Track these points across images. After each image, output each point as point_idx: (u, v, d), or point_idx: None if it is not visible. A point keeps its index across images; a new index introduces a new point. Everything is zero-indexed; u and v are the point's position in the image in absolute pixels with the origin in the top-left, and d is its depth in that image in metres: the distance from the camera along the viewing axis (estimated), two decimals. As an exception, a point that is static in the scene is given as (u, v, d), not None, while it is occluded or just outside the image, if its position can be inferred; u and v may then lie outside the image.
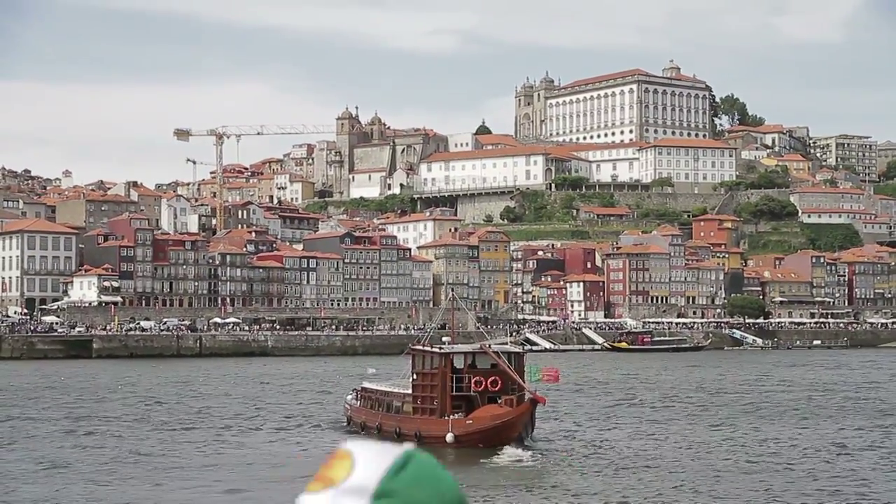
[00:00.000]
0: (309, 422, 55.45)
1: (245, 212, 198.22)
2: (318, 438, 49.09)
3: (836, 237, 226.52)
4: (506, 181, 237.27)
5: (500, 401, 44.29)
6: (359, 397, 53.36)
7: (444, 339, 51.95)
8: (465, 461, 40.49)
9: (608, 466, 39.54)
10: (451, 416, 44.46)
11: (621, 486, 35.15)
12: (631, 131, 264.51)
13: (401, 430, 46.19)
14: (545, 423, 51.12)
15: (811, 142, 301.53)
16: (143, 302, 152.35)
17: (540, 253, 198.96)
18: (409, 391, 48.07)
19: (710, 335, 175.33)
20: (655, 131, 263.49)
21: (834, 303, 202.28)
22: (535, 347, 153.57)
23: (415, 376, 47.72)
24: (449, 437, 43.18)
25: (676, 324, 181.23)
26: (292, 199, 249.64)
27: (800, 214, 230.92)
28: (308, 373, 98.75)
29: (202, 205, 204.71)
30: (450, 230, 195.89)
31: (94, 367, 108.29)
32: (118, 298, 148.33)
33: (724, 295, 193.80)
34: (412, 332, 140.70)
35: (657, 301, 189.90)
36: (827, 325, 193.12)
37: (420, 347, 49.68)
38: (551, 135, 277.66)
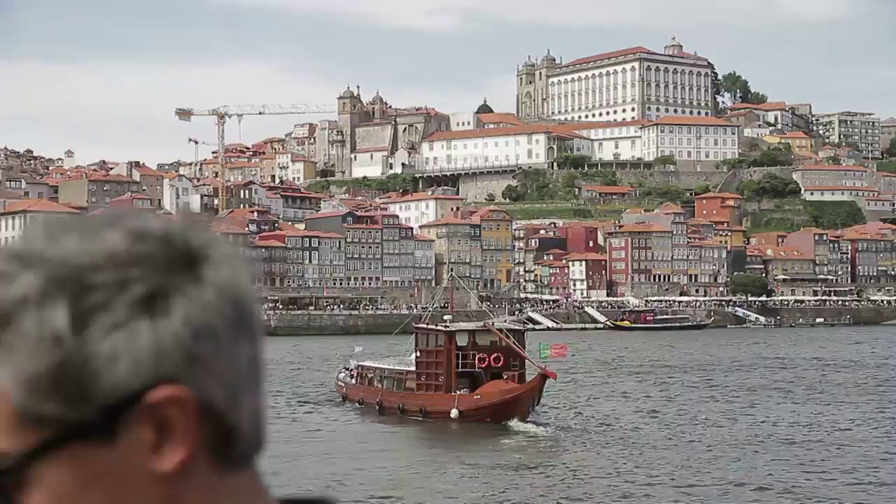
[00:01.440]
0: (310, 399, 55.96)
1: (247, 191, 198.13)
2: (317, 415, 49.71)
3: (839, 214, 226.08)
4: (508, 160, 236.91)
5: (505, 376, 45.74)
6: (354, 375, 54.44)
7: (445, 317, 53.06)
8: (481, 437, 41.15)
9: (635, 444, 39.64)
10: (458, 392, 45.49)
11: (641, 463, 35.22)
12: (633, 109, 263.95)
13: (404, 405, 47.42)
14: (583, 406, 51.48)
15: (814, 119, 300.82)
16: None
17: (542, 232, 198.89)
18: (411, 368, 49.25)
19: (713, 313, 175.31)
20: (657, 109, 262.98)
21: (837, 280, 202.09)
22: (537, 326, 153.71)
23: (418, 353, 48.71)
24: (454, 413, 44.33)
25: (679, 302, 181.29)
26: (294, 178, 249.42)
27: (802, 192, 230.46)
28: (327, 352, 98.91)
29: (204, 184, 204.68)
30: (452, 209, 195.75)
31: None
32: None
33: (726, 273, 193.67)
34: (415, 311, 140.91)
35: (659, 279, 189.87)
36: (830, 302, 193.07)
37: (424, 326, 50.71)
38: (553, 113, 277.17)
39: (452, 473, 34.12)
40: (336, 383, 56.60)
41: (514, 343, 46.74)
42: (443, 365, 46.61)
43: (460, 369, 46.37)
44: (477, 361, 46.26)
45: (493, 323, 50.94)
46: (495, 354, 46.34)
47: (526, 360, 46.93)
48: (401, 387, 49.51)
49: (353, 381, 54.16)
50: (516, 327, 52.97)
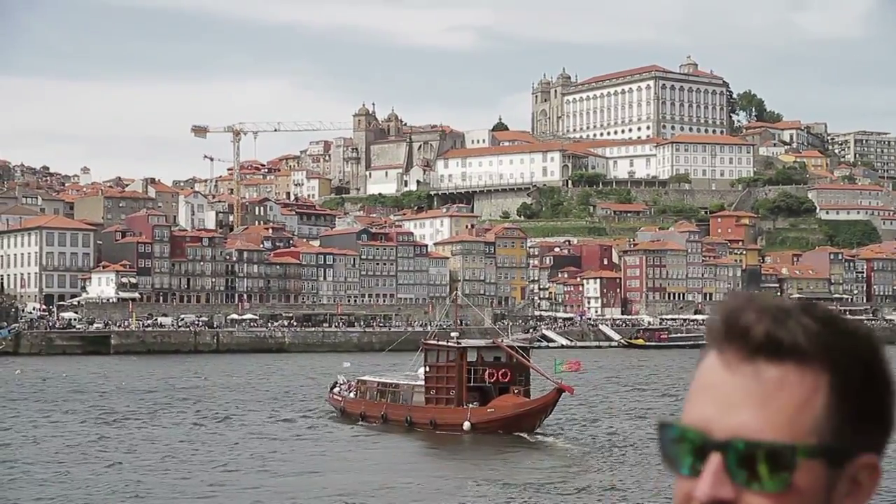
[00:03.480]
0: (311, 414, 57.08)
1: (262, 208, 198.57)
2: (325, 429, 50.65)
3: (855, 234, 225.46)
4: (522, 177, 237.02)
5: (515, 391, 47.95)
6: (352, 389, 56.21)
7: (452, 334, 54.81)
8: (505, 451, 42.12)
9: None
10: (470, 406, 47.39)
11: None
12: (648, 127, 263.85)
13: (412, 418, 49.28)
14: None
15: (829, 138, 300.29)
16: (161, 298, 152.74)
17: (557, 249, 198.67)
18: (419, 382, 50.97)
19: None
20: (672, 127, 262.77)
21: (852, 299, 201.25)
22: (551, 344, 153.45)
23: (427, 368, 50.33)
24: (466, 425, 46.26)
25: (693, 320, 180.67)
26: (309, 195, 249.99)
27: (818, 211, 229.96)
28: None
29: (219, 201, 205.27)
30: (466, 226, 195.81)
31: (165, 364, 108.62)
32: (136, 294, 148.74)
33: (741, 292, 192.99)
34: (429, 328, 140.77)
35: (674, 297, 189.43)
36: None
37: (434, 342, 52.47)
38: (568, 131, 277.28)
39: (478, 489, 34.28)
40: (331, 398, 57.80)
41: (526, 359, 48.91)
42: (454, 379, 48.33)
43: (472, 384, 48.08)
44: (487, 376, 48.03)
45: (501, 340, 53.18)
46: (503, 370, 48.27)
47: (531, 376, 49.17)
48: (408, 400, 51.02)
49: (352, 394, 55.42)
50: (522, 344, 55.14)
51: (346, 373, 60.58)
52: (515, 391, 48.08)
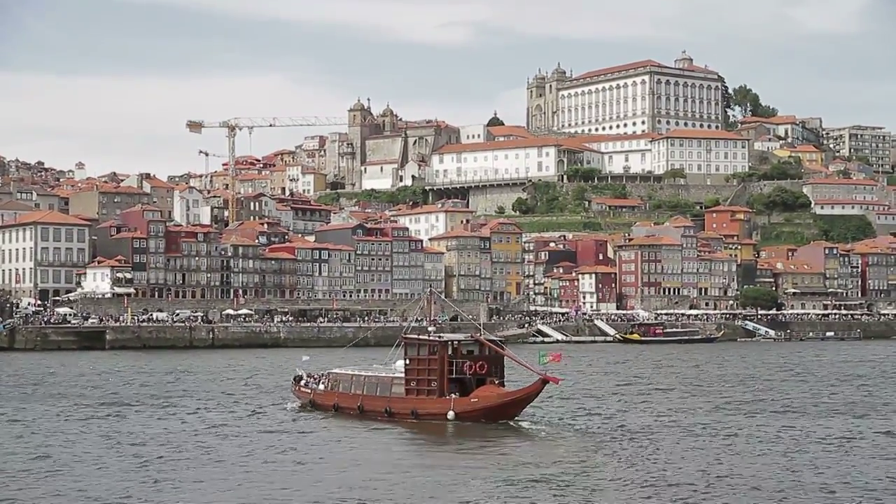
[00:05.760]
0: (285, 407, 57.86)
1: (257, 203, 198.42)
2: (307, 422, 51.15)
3: (849, 228, 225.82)
4: (518, 173, 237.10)
5: (494, 381, 49.93)
6: (321, 381, 57.50)
7: (429, 328, 55.91)
8: (493, 439, 43.16)
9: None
10: (452, 396, 49.17)
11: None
12: (643, 122, 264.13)
13: (392, 409, 50.77)
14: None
15: (824, 133, 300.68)
16: (156, 293, 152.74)
17: (552, 244, 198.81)
18: (399, 374, 52.34)
19: (723, 327, 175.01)
20: (668, 122, 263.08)
21: (847, 294, 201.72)
22: (546, 339, 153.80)
23: (408, 361, 51.72)
24: (450, 415, 48.29)
25: (688, 315, 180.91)
26: (304, 190, 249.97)
27: (813, 205, 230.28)
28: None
29: (214, 196, 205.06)
30: (462, 222, 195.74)
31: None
32: (131, 290, 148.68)
33: (736, 286, 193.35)
34: (424, 323, 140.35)
35: (669, 293, 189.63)
36: (840, 316, 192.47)
37: (414, 336, 53.77)
38: (563, 126, 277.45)
39: (475, 481, 34.37)
40: (298, 390, 58.82)
41: (502, 351, 50.95)
42: (436, 371, 49.96)
43: (452, 375, 49.85)
44: (466, 368, 49.88)
45: (480, 334, 54.97)
46: (480, 362, 50.24)
47: (506, 367, 51.30)
48: (386, 391, 52.19)
49: (323, 387, 56.60)
50: (496, 338, 57.58)
51: (305, 366, 61.61)
52: (495, 382, 49.87)
